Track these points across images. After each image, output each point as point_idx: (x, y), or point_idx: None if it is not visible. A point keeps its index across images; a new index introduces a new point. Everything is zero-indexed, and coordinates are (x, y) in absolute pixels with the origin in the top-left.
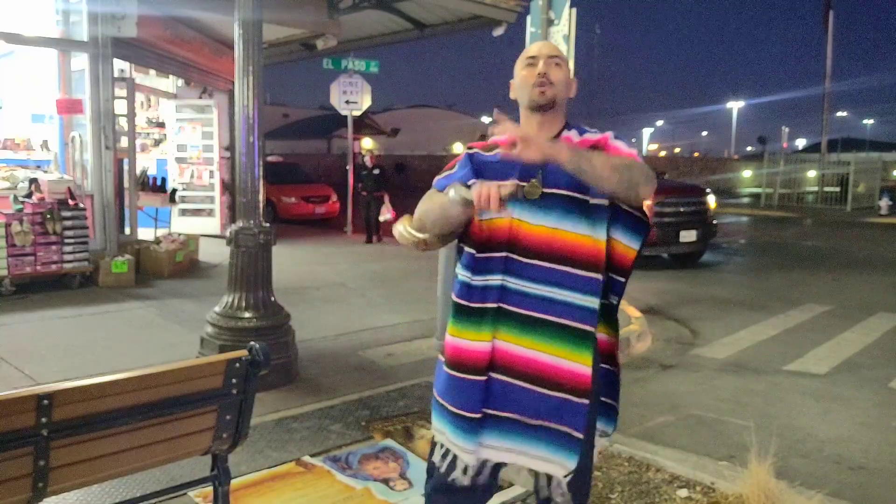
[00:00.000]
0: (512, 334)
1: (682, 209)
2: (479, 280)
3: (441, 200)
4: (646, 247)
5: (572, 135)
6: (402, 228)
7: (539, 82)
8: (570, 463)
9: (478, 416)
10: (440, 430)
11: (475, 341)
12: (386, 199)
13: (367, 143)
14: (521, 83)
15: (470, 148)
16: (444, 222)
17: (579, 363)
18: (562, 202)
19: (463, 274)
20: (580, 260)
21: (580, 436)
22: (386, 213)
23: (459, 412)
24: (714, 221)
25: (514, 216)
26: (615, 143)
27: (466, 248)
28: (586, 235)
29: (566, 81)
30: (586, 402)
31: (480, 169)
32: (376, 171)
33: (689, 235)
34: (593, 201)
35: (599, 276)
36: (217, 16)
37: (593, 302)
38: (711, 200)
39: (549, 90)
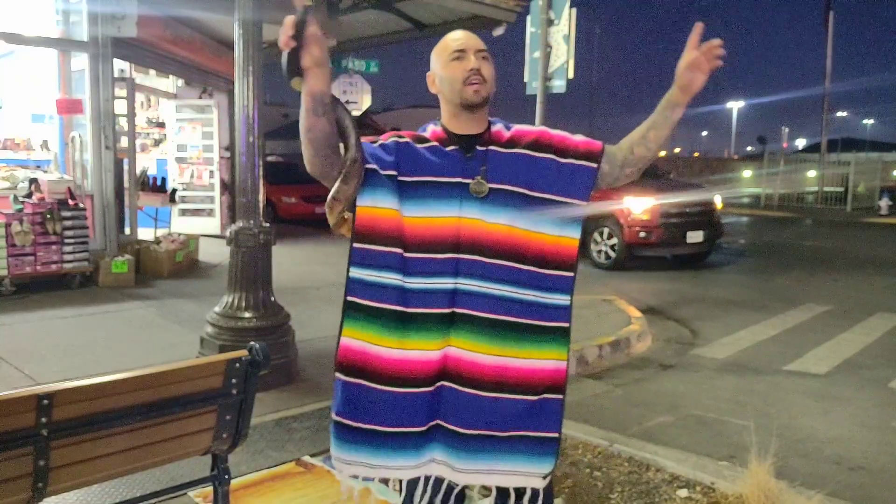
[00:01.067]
0: (471, 341)
1: (688, 209)
2: (416, 282)
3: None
4: (653, 248)
5: (501, 128)
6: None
7: (472, 79)
8: (547, 466)
9: (423, 429)
10: (356, 462)
11: (424, 351)
12: None
13: None
14: (449, 78)
15: (400, 136)
16: (310, 122)
17: (556, 360)
18: (511, 199)
19: (388, 276)
20: (546, 259)
21: (556, 435)
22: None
23: (401, 430)
24: (721, 222)
25: (465, 215)
26: (558, 132)
27: (385, 248)
28: (545, 234)
29: (494, 76)
30: (562, 396)
31: (411, 160)
32: None
33: (695, 236)
34: (538, 195)
35: (571, 274)
36: (217, 16)
37: (565, 299)
38: (718, 200)
39: (483, 88)
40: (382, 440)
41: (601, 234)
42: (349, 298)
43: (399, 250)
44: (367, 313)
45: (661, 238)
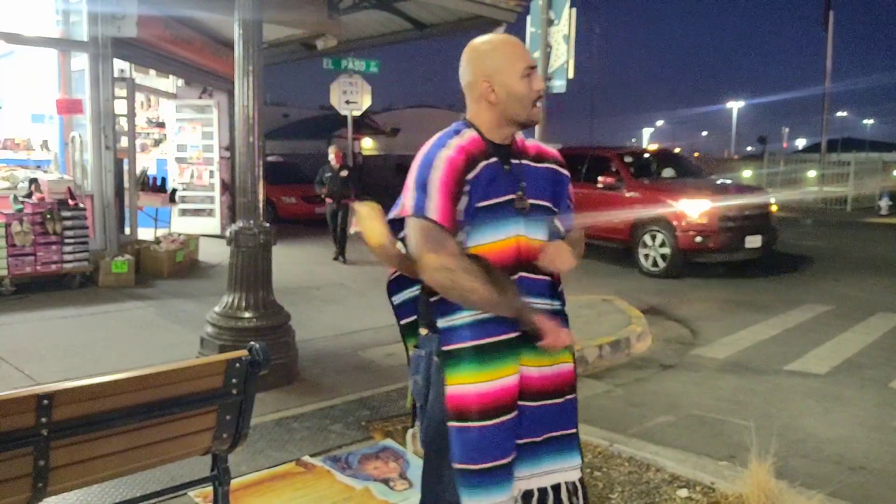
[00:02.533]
0: (533, 357)
1: (746, 213)
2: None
3: (492, 293)
4: (710, 254)
5: (521, 138)
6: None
7: (538, 101)
8: (578, 459)
9: (512, 457)
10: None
11: (508, 376)
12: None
13: (368, 142)
14: (521, 95)
15: (475, 158)
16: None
17: (570, 362)
18: (543, 214)
19: (462, 316)
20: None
21: (576, 430)
22: (355, 226)
23: (508, 460)
24: (776, 226)
25: (520, 232)
26: (554, 149)
27: None
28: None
29: None
30: (575, 395)
31: (486, 183)
32: (343, 173)
33: (754, 241)
34: (555, 210)
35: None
36: (217, 16)
37: (561, 305)
38: (773, 203)
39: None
40: (499, 475)
41: (651, 238)
42: (449, 348)
43: None
44: (460, 354)
45: (720, 243)
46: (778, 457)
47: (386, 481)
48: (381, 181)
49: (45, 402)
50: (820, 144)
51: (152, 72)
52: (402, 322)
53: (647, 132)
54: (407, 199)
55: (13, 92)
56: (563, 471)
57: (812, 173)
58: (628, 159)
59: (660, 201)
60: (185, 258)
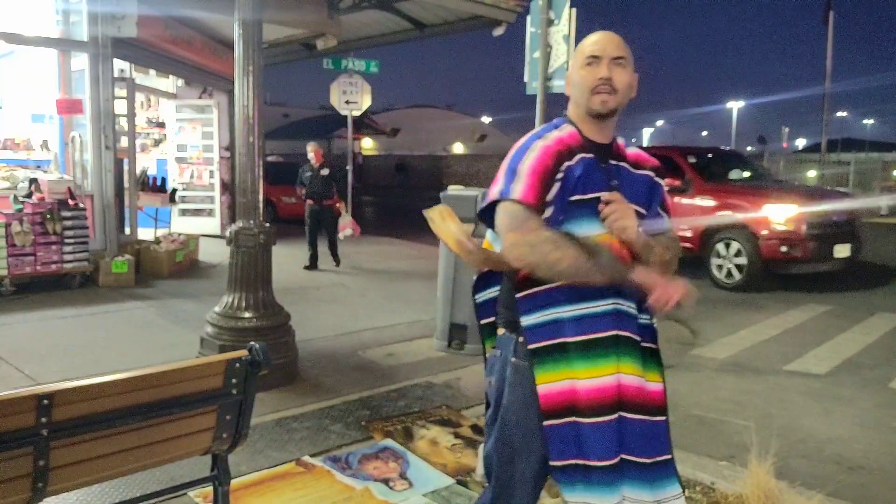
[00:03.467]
0: (634, 366)
1: (834, 219)
2: (582, 308)
3: (581, 258)
4: (797, 264)
5: (622, 143)
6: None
7: (600, 88)
8: (679, 488)
9: (615, 461)
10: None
11: (606, 376)
12: (342, 208)
13: (368, 142)
14: (580, 84)
15: (572, 150)
16: (579, 278)
17: (661, 382)
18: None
19: (559, 311)
20: None
21: (671, 457)
22: (347, 228)
23: (601, 463)
24: (862, 234)
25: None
26: (653, 158)
27: (546, 286)
28: None
29: (630, 84)
30: (666, 418)
31: (585, 178)
32: (324, 172)
33: (843, 250)
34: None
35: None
36: (217, 16)
37: (647, 318)
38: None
39: (613, 99)
40: (596, 476)
41: (724, 247)
42: (545, 344)
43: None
44: (557, 349)
45: (808, 253)
46: (778, 457)
47: (386, 481)
48: (381, 181)
49: (45, 402)
50: (820, 144)
51: (152, 72)
52: (482, 322)
53: (647, 132)
54: (494, 187)
55: (13, 92)
56: (672, 499)
57: (812, 173)
58: (692, 159)
59: (737, 206)
60: (185, 258)
